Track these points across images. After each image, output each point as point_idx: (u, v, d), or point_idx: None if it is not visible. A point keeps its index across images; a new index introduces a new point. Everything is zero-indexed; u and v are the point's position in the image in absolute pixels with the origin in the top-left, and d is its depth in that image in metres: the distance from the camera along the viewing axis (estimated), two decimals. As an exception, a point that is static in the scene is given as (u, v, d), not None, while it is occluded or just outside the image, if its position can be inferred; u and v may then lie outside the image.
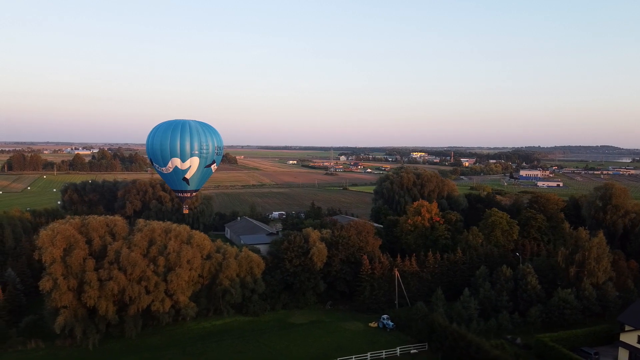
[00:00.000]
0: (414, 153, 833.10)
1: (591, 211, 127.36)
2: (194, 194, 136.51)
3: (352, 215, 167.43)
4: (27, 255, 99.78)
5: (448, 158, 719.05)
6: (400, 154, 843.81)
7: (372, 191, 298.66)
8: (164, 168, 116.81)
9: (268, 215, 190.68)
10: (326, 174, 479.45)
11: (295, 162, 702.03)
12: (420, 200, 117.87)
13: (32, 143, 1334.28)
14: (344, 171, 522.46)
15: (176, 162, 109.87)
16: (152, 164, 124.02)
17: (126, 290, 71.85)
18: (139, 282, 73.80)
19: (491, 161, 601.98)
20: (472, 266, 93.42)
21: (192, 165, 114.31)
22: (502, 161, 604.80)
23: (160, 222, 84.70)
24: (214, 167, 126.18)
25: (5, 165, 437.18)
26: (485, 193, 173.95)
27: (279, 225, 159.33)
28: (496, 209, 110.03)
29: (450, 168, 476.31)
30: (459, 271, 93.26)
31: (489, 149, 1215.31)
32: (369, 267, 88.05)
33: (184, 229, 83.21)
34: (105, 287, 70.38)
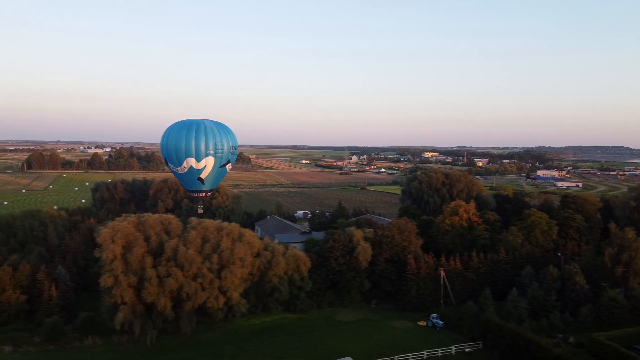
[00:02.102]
0: (426, 153, 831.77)
1: (625, 211, 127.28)
2: (208, 193, 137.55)
3: (379, 215, 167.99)
4: (73, 253, 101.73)
5: (460, 158, 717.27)
6: (411, 153, 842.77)
7: (390, 191, 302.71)
8: (178, 168, 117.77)
9: (293, 215, 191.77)
10: (341, 173, 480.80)
11: (308, 161, 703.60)
12: (458, 200, 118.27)
13: (43, 142, 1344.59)
14: (358, 171, 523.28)
15: (191, 162, 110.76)
16: (167, 164, 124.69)
17: (184, 287, 73.09)
18: (194, 279, 75.04)
19: (505, 161, 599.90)
20: (515, 266, 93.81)
21: (207, 165, 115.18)
22: (516, 161, 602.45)
23: (212, 220, 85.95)
24: (228, 166, 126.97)
25: (25, 164, 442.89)
26: (512, 193, 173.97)
27: (306, 225, 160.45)
28: (535, 209, 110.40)
29: (465, 168, 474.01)
30: (502, 271, 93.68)
31: (499, 148, 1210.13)
32: (415, 266, 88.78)
33: (234, 227, 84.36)
34: (164, 284, 71.70)
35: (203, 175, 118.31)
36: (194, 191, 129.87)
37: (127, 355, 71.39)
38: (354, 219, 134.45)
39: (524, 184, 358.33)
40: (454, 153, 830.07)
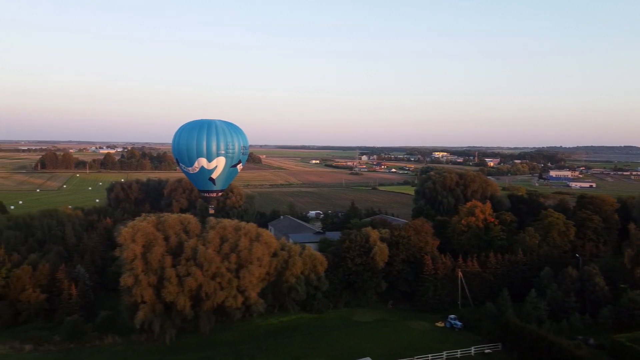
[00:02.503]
0: (436, 153, 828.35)
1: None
2: (219, 193, 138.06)
3: (392, 215, 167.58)
4: (91, 252, 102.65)
5: (471, 158, 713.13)
6: (421, 153, 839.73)
7: (402, 191, 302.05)
8: (190, 168, 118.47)
9: (306, 215, 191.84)
10: (351, 173, 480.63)
11: (318, 161, 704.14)
12: (473, 200, 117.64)
13: (55, 142, 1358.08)
14: (368, 171, 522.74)
15: (202, 162, 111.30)
16: (178, 164, 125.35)
17: (203, 286, 73.39)
18: (213, 279, 75.24)
19: (517, 161, 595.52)
20: (533, 267, 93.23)
21: (219, 165, 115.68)
22: (528, 161, 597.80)
23: (230, 219, 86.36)
24: (239, 166, 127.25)
25: (38, 164, 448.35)
26: (525, 193, 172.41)
27: (319, 225, 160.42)
28: (551, 210, 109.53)
29: (476, 168, 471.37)
30: (520, 272, 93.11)
31: (510, 148, 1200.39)
32: (432, 267, 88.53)
33: (252, 226, 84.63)
34: (184, 283, 72.11)
35: (214, 176, 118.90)
36: (205, 191, 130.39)
37: (147, 354, 71.77)
38: (368, 219, 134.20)
39: (536, 185, 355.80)
40: (465, 153, 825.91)
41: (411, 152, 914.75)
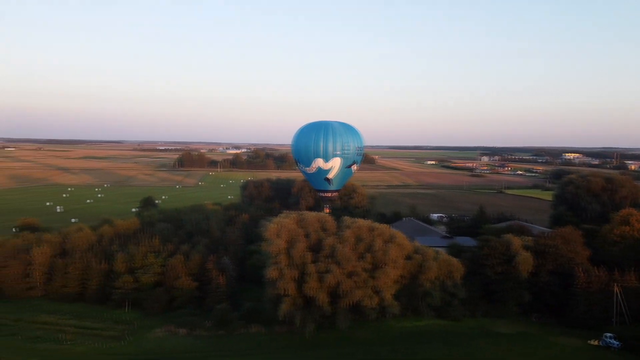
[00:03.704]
0: (567, 154, 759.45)
1: None
2: (334, 194, 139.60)
3: (526, 221, 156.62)
4: (233, 245, 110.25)
5: (609, 160, 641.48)
6: (549, 154, 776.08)
7: (532, 195, 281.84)
8: (308, 168, 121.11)
9: (427, 217, 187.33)
10: (472, 175, 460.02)
11: (434, 162, 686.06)
12: (630, 208, 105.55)
13: (187, 142, 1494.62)
14: (491, 173, 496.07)
15: (319, 162, 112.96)
16: (297, 164, 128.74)
17: (341, 283, 75.00)
18: (349, 277, 76.61)
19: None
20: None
21: (335, 165, 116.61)
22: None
23: (364, 219, 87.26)
24: (355, 167, 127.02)
25: (177, 163, 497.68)
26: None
27: (443, 228, 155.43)
28: None
29: (617, 171, 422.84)
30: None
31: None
32: (585, 280, 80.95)
33: (386, 227, 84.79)
34: (324, 279, 74.31)
35: (330, 176, 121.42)
36: (321, 191, 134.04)
37: (289, 345, 74.93)
38: (502, 224, 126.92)
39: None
40: (600, 154, 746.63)
41: (538, 153, 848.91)
